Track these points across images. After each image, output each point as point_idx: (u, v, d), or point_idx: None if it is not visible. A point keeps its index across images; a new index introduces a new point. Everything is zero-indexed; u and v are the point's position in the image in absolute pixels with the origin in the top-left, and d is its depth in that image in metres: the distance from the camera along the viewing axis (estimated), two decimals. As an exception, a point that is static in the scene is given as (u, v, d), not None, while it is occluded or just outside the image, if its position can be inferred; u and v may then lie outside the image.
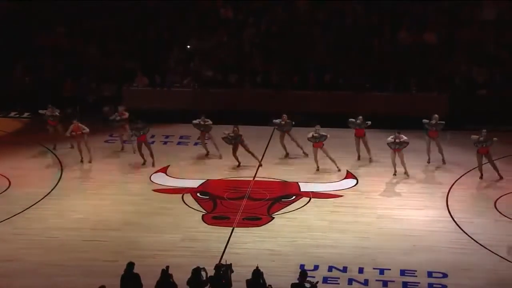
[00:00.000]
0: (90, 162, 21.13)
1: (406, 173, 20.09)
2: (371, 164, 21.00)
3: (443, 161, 20.90)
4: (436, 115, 20.61)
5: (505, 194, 19.05)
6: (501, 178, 19.84)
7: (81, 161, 21.13)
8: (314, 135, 20.14)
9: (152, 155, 20.97)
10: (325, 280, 15.12)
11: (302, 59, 26.23)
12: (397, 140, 19.66)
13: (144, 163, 20.92)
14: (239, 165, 20.78)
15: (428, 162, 20.96)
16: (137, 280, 13.74)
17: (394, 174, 20.12)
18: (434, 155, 20.96)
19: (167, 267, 13.77)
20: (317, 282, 13.64)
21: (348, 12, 27.13)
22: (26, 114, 25.48)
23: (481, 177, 19.91)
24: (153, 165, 20.89)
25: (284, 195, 19.20)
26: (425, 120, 20.63)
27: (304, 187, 19.63)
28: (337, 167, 20.44)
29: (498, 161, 20.46)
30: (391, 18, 26.68)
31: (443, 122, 20.66)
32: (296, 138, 21.21)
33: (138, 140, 20.94)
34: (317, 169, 20.46)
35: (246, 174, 20.53)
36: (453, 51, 25.78)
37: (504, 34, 25.99)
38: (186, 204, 18.72)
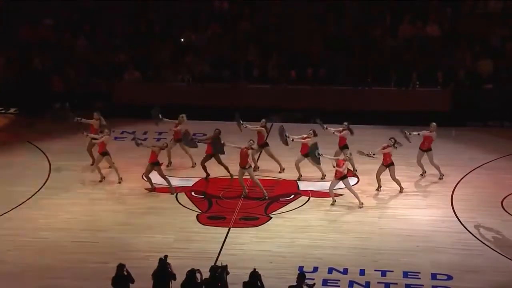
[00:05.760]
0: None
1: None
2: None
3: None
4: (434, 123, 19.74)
5: (512, 193, 18.98)
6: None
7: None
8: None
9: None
10: (325, 282, 14.95)
11: (299, 53, 25.85)
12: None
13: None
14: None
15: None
16: (127, 282, 13.56)
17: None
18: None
19: (165, 256, 13.64)
20: (314, 284, 13.38)
21: (349, 4, 26.79)
22: (12, 110, 25.35)
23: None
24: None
25: (282, 194, 19.00)
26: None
27: (303, 186, 19.45)
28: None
29: (504, 159, 20.34)
30: (392, 10, 26.38)
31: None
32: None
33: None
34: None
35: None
36: (457, 44, 25.48)
37: (510, 27, 25.67)
38: (180, 204, 18.56)
